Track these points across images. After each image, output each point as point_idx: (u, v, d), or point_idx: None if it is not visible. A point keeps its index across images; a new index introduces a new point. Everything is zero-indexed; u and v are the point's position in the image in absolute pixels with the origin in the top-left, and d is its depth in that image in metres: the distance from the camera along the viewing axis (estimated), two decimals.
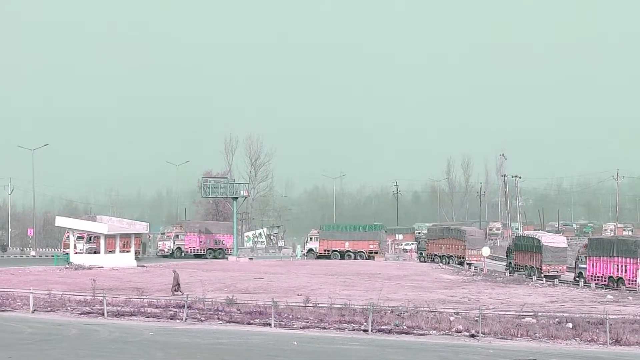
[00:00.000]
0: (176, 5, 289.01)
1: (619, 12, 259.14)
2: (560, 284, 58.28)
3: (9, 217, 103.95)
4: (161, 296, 38.89)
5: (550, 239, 66.72)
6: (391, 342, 27.64)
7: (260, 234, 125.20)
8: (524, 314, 33.70)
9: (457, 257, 78.98)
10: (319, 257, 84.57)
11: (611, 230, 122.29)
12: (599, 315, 31.94)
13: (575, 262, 62.20)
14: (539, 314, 33.74)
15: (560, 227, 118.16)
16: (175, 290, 41.84)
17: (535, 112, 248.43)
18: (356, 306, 33.92)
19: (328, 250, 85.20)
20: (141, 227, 72.24)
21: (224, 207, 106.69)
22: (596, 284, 55.59)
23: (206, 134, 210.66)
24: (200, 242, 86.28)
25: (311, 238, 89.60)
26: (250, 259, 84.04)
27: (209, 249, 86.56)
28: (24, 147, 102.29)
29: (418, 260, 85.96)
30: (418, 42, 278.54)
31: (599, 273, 56.60)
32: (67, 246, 73.85)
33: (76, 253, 70.26)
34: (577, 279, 59.22)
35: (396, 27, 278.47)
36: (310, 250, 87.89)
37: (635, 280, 52.91)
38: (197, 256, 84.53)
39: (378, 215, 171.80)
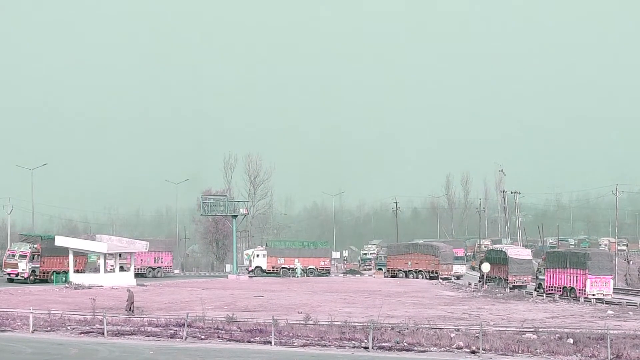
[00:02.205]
0: (181, 22, 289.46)
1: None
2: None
3: (8, 237, 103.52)
4: (161, 315, 38.78)
5: (515, 252, 70.18)
6: (392, 359, 27.59)
7: None
8: (525, 329, 33.67)
9: (428, 272, 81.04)
10: (269, 274, 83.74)
11: (605, 245, 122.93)
12: (600, 331, 31.91)
13: (536, 274, 65.54)
14: (540, 329, 33.72)
15: (556, 242, 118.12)
16: (128, 310, 41.00)
17: (533, 123, 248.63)
18: (356, 323, 33.85)
19: (276, 267, 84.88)
20: (141, 245, 71.92)
21: (223, 225, 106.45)
22: (553, 294, 58.87)
23: (205, 149, 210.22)
24: (142, 260, 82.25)
25: (258, 255, 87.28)
26: (250, 277, 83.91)
27: (149, 267, 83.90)
28: (22, 166, 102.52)
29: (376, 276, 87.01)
30: (415, 59, 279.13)
31: (555, 284, 60.27)
32: (8, 265, 68.93)
33: (19, 274, 67.06)
34: (537, 289, 63.03)
35: (392, 42, 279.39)
36: (258, 267, 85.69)
37: (585, 290, 56.91)
38: (137, 275, 77.02)
39: (378, 232, 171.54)
